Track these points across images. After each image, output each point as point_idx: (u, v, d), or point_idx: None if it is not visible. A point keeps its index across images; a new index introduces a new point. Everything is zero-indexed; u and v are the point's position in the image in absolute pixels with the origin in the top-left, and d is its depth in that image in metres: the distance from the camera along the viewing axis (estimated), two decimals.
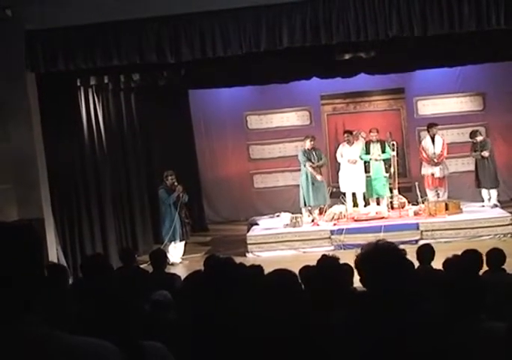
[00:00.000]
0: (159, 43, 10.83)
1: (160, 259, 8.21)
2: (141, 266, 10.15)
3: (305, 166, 14.41)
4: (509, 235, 13.07)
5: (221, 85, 15.87)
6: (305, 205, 14.54)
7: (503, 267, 6.78)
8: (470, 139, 15.33)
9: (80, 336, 2.36)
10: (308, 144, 14.51)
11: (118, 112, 14.61)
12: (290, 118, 17.73)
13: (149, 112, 15.38)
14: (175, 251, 13.34)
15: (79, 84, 13.08)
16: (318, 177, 14.33)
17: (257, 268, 5.96)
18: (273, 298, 3.24)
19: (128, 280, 7.18)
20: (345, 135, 15.03)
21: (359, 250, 3.22)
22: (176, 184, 13.22)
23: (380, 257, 3.08)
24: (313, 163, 14.35)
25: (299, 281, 4.62)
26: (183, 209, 13.39)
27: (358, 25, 10.56)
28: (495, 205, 14.85)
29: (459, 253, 6.32)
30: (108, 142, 13.93)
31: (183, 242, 13.52)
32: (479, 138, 15.07)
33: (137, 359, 3.16)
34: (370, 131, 14.75)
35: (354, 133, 15.20)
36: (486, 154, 14.84)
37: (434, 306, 3.15)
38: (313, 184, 14.34)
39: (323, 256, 5.52)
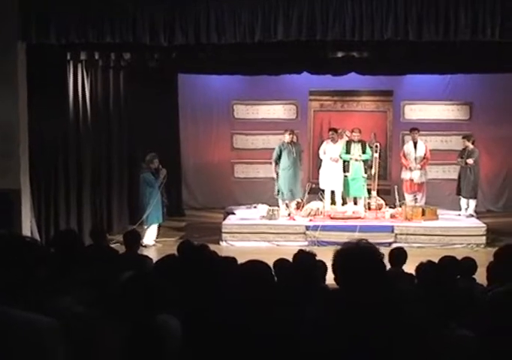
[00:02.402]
0: (153, 24, 10.79)
1: (133, 240, 8.19)
2: (113, 246, 10.15)
3: (276, 163, 14.50)
4: (482, 246, 13.17)
5: (212, 72, 15.84)
6: (278, 193, 14.58)
7: (473, 276, 6.83)
8: (461, 140, 15.42)
9: (20, 311, 2.38)
10: (287, 137, 14.53)
11: (106, 89, 14.53)
12: (277, 111, 17.73)
13: (136, 93, 15.29)
14: (155, 234, 13.36)
15: (69, 58, 13.00)
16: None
17: (231, 260, 5.97)
18: (246, 288, 3.24)
19: (98, 259, 7.13)
20: (330, 132, 15.06)
21: (338, 247, 3.21)
22: (160, 167, 13.26)
23: (360, 257, 3.08)
24: (277, 163, 14.45)
25: (273, 274, 4.63)
26: (163, 191, 13.46)
27: (354, 24, 10.60)
28: (471, 215, 14.95)
29: (432, 259, 6.33)
30: (93, 118, 13.85)
31: (156, 224, 13.54)
32: (469, 144, 15.13)
33: (155, 335, 3.18)
34: (352, 131, 14.78)
35: (339, 131, 15.21)
36: (470, 161, 14.90)
37: (406, 310, 3.16)
38: (290, 177, 14.39)
39: (300, 251, 5.53)
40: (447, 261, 6.45)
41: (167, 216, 13.95)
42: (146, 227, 13.13)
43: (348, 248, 3.15)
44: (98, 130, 14.10)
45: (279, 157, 14.52)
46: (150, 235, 13.32)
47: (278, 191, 14.62)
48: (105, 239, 8.86)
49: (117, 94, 14.90)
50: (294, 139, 14.74)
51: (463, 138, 15.41)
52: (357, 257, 3.08)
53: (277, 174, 14.60)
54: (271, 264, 5.74)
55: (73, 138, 13.22)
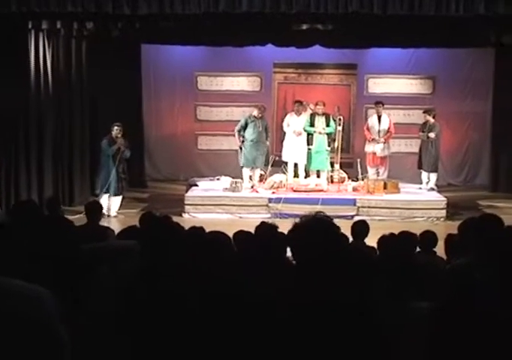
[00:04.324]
0: None
1: (95, 211, 8.12)
2: (75, 217, 10.09)
3: (239, 133, 14.52)
4: (442, 219, 13.32)
5: (175, 43, 15.69)
6: (243, 166, 14.63)
7: (434, 249, 6.90)
8: (422, 114, 15.51)
9: (10, 278, 2.34)
10: (256, 112, 14.54)
11: (68, 59, 14.33)
12: (241, 83, 17.67)
13: (99, 63, 15.10)
14: (107, 203, 13.23)
15: (30, 27, 12.81)
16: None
17: (198, 230, 5.96)
18: (206, 256, 3.25)
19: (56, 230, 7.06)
20: (296, 104, 15.04)
21: (297, 220, 3.21)
22: (118, 136, 13.13)
23: (315, 229, 3.08)
24: (240, 134, 14.49)
25: (232, 244, 4.65)
26: (122, 164, 13.28)
27: None
28: (432, 189, 15.10)
29: (394, 231, 6.39)
30: (54, 88, 13.70)
31: (120, 196, 13.45)
32: (429, 118, 15.22)
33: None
34: (316, 104, 14.74)
35: (303, 103, 15.21)
36: (432, 135, 15.02)
37: (366, 282, 3.19)
38: (254, 149, 14.43)
39: (262, 223, 5.55)
40: (406, 237, 6.49)
41: (122, 190, 13.49)
42: (98, 196, 12.97)
43: (304, 220, 3.15)
44: (60, 101, 13.94)
45: (244, 128, 14.50)
46: (107, 205, 13.16)
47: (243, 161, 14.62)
48: (60, 210, 8.77)
49: (79, 64, 14.72)
50: (262, 115, 14.74)
51: (424, 112, 15.51)
52: (311, 229, 3.08)
53: (241, 145, 14.58)
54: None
55: (35, 108, 13.08)
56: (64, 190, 14.13)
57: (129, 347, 3.12)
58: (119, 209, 13.48)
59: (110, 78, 15.58)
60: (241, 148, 14.60)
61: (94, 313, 3.36)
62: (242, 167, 14.66)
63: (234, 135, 14.82)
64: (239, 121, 14.84)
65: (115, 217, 13.28)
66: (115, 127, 13.15)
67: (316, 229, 3.09)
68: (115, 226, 10.10)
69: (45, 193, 13.13)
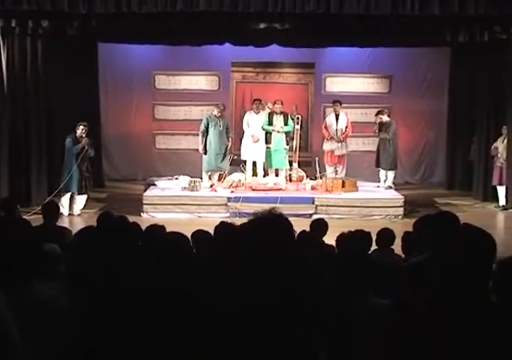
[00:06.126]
0: None
1: (52, 211, 8.06)
2: (32, 217, 10.00)
3: (203, 135, 14.51)
4: (399, 217, 13.43)
5: (133, 41, 15.61)
6: (206, 170, 14.64)
7: (392, 247, 6.96)
8: (374, 117, 15.59)
9: None
10: (216, 111, 14.57)
11: (23, 58, 14.14)
12: (199, 82, 17.64)
13: (55, 62, 14.94)
14: (68, 203, 13.15)
15: None
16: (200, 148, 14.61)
17: (160, 228, 5.95)
18: (163, 256, 3.24)
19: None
20: (256, 102, 15.03)
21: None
22: (83, 136, 13.07)
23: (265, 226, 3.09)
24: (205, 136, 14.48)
25: (191, 245, 4.63)
26: (85, 162, 13.23)
27: None
28: (390, 187, 15.21)
29: (351, 229, 6.45)
30: (9, 87, 13.53)
31: (84, 196, 13.38)
32: (384, 118, 15.32)
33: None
34: (274, 103, 14.79)
35: (262, 102, 15.23)
36: (384, 118, 15.16)
37: (324, 280, 3.20)
38: (216, 149, 14.45)
39: (222, 223, 5.56)
40: (361, 235, 6.55)
41: (86, 188, 13.45)
42: (61, 195, 12.94)
43: (257, 217, 3.16)
44: (16, 100, 13.77)
45: (207, 129, 14.50)
46: (68, 205, 13.12)
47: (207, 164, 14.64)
48: (16, 210, 8.68)
49: (35, 63, 14.51)
50: (222, 114, 14.76)
51: (376, 115, 15.55)
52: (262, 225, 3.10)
53: (204, 146, 14.57)
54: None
55: None
56: (21, 190, 13.96)
57: (84, 346, 3.10)
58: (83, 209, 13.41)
59: (67, 77, 15.43)
60: (205, 153, 14.58)
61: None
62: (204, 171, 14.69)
63: (193, 135, 14.79)
64: (197, 120, 14.82)
65: (78, 215, 13.22)
66: (81, 127, 13.10)
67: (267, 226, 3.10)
68: (79, 225, 10.07)
69: (1, 193, 12.98)
